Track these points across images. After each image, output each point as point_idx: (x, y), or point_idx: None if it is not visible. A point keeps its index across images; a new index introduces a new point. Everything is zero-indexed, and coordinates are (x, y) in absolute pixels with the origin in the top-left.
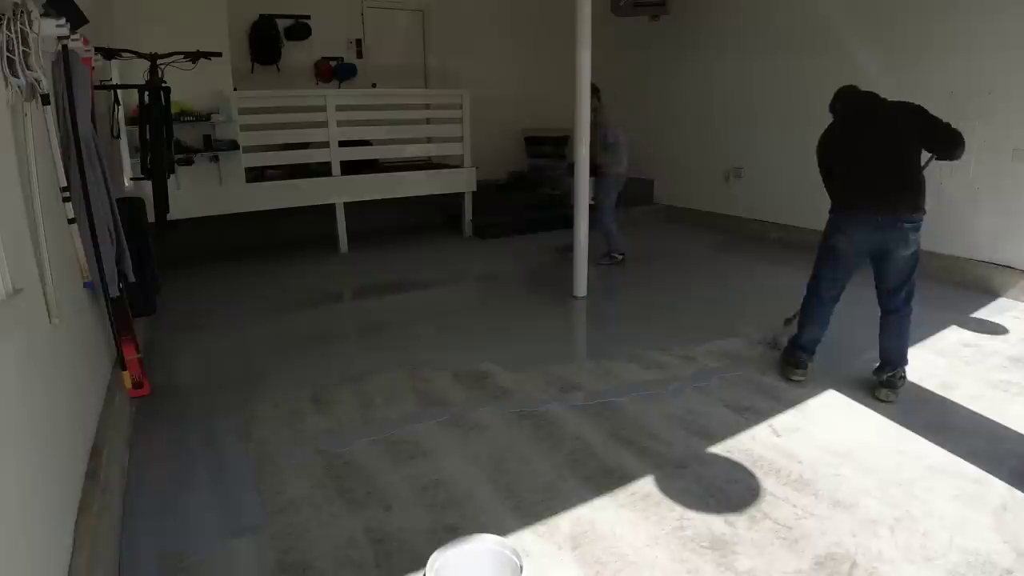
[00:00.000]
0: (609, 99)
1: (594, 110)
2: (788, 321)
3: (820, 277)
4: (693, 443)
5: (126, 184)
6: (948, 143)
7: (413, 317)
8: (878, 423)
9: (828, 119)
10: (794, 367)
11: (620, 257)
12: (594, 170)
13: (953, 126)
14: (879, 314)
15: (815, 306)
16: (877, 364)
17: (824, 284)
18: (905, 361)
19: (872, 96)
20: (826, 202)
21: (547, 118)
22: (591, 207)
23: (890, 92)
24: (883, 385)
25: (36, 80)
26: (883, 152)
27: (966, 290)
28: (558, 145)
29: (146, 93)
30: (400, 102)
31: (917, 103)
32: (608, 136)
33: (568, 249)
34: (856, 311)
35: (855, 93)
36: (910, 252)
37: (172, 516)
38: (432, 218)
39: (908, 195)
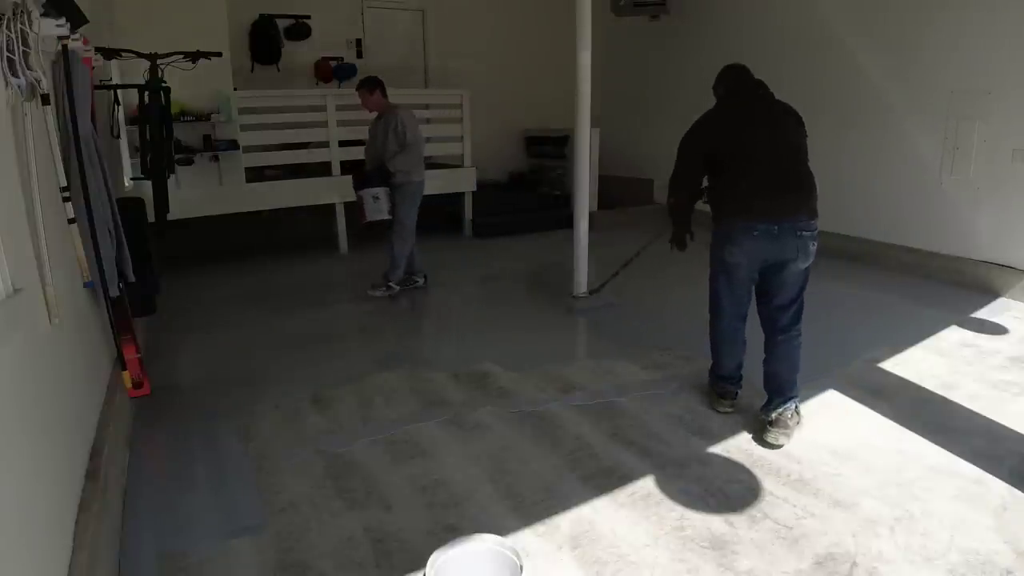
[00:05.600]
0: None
1: (382, 108)
2: (594, 291)
3: (719, 297)
4: (693, 443)
5: (126, 184)
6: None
7: (413, 317)
8: (878, 423)
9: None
10: (720, 398)
11: (398, 288)
12: (386, 178)
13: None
14: (763, 337)
15: (724, 332)
16: (764, 401)
17: (726, 306)
18: (797, 392)
19: (763, 85)
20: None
21: (547, 118)
22: (389, 223)
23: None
24: (772, 425)
25: (36, 80)
26: (782, 148)
27: (966, 290)
28: (558, 145)
29: (146, 93)
30: (400, 102)
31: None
32: (401, 135)
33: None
34: (854, 306)
35: (746, 76)
36: (807, 265)
37: (172, 516)
38: (432, 218)
39: (809, 198)
